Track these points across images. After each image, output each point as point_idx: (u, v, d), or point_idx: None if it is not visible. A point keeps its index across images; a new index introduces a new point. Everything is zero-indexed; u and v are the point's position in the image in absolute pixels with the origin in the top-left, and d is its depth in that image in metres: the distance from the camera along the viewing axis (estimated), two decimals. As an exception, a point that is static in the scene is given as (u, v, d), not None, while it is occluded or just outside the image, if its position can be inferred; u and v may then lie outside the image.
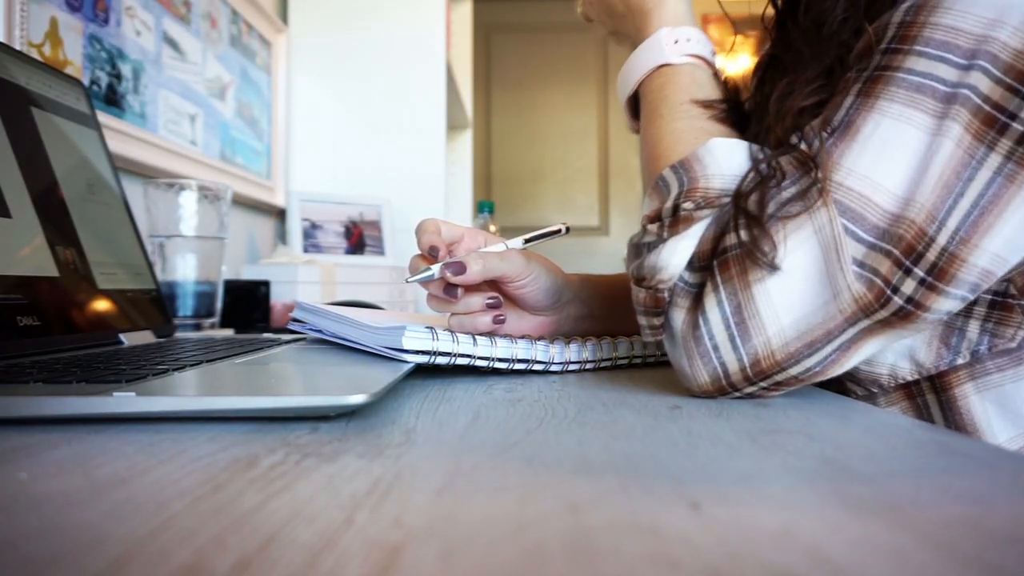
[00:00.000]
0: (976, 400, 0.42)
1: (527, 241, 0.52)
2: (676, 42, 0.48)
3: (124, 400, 0.29)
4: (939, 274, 0.34)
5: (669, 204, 0.40)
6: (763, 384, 0.37)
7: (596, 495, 0.21)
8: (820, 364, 0.36)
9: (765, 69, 0.51)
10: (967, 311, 0.42)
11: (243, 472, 0.23)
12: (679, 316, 0.38)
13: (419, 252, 0.49)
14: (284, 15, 1.57)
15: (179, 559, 0.16)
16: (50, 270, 0.52)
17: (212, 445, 0.26)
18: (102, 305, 0.57)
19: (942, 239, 0.34)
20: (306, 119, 1.56)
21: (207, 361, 0.42)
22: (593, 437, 0.29)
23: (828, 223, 0.35)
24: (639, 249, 0.41)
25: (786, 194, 0.36)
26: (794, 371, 0.36)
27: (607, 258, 2.94)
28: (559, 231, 0.53)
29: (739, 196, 0.38)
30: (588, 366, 0.51)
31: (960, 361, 0.42)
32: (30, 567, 0.15)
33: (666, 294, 0.39)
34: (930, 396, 0.44)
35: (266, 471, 0.23)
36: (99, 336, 0.55)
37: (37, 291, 0.49)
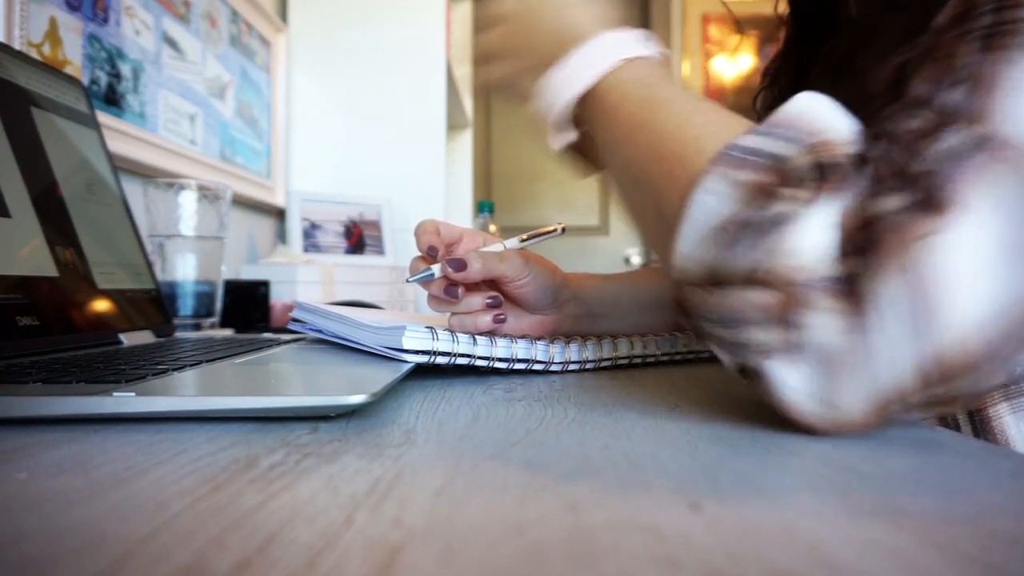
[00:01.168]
0: (1011, 420, 0.40)
1: (523, 241, 0.52)
2: (635, 40, 0.41)
3: (124, 400, 0.29)
4: None
5: (799, 160, 0.29)
6: (937, 392, 0.27)
7: (596, 495, 0.21)
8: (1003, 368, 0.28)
9: (781, 63, 0.51)
10: None
11: (243, 472, 0.23)
12: (829, 323, 0.27)
13: (419, 253, 0.49)
14: (284, 15, 1.57)
15: (179, 559, 0.16)
16: (50, 270, 0.52)
17: (212, 445, 0.26)
18: (102, 305, 0.57)
19: None
20: (306, 119, 1.56)
21: (207, 361, 0.42)
22: (593, 437, 0.29)
23: (1016, 171, 0.27)
24: (755, 228, 0.29)
25: (948, 144, 0.28)
26: (980, 379, 0.27)
27: (607, 258, 2.94)
28: (555, 231, 0.53)
29: (887, 152, 0.29)
30: (588, 366, 0.51)
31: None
32: (30, 567, 0.15)
33: (806, 291, 0.27)
34: (962, 415, 0.42)
35: (266, 471, 0.23)
36: (99, 336, 0.55)
37: (37, 291, 0.49)
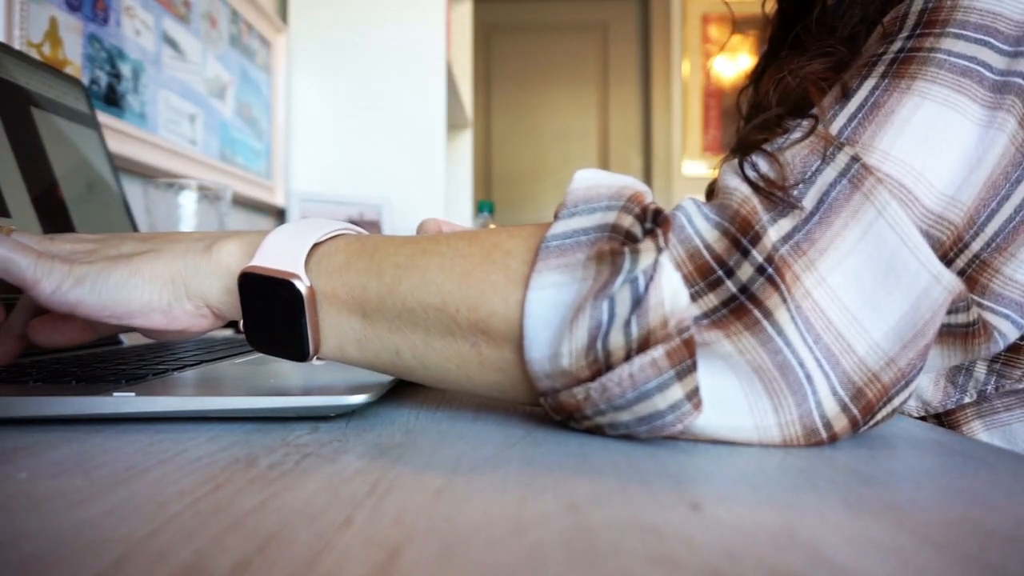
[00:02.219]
0: (984, 438, 0.40)
1: None
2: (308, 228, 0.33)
3: (124, 400, 0.29)
4: (970, 283, 0.30)
5: (625, 220, 0.28)
6: (870, 423, 0.28)
7: (596, 495, 0.21)
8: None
9: (765, 64, 0.51)
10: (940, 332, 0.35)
11: (243, 472, 0.23)
12: (734, 344, 0.26)
13: None
14: (284, 15, 1.57)
15: (179, 559, 0.16)
16: (50, 270, 0.52)
17: (212, 445, 0.26)
18: (102, 305, 0.57)
19: (976, 245, 0.30)
20: (306, 119, 1.56)
21: (207, 361, 0.42)
22: (593, 437, 0.29)
23: (887, 206, 0.28)
24: (620, 294, 0.26)
25: (824, 176, 0.29)
26: (901, 396, 0.28)
27: (607, 258, 2.94)
28: None
29: (756, 182, 0.30)
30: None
31: (967, 399, 0.40)
32: (30, 567, 0.15)
33: (694, 331, 0.26)
34: None
35: (266, 471, 0.23)
36: (99, 336, 0.55)
37: (37, 291, 0.49)
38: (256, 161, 1.40)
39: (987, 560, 0.16)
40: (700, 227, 0.29)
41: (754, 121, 0.37)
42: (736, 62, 2.87)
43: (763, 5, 0.50)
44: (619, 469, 0.24)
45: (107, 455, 0.25)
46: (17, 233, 0.35)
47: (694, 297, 0.27)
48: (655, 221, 0.28)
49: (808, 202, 0.29)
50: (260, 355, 0.47)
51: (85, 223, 0.58)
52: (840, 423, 0.27)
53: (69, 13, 0.83)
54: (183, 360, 0.41)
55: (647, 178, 2.98)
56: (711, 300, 0.27)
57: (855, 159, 0.29)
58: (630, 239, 0.28)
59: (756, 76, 0.52)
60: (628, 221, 0.28)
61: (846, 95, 0.32)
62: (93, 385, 0.32)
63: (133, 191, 0.96)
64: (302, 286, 0.30)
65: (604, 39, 2.99)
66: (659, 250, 0.26)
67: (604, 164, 3.01)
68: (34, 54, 0.77)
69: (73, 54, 0.84)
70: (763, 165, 0.30)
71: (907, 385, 0.27)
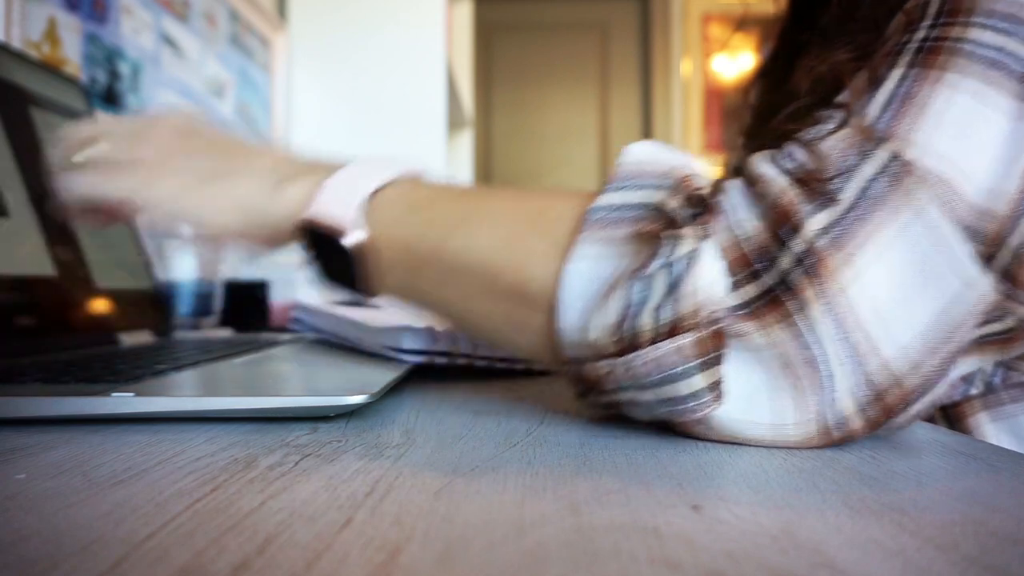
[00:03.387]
0: (991, 429, 0.40)
1: None
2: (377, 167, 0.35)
3: (122, 400, 0.29)
4: (1011, 279, 0.29)
5: (672, 202, 0.28)
6: (886, 426, 0.28)
7: (596, 495, 0.21)
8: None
9: (778, 57, 0.50)
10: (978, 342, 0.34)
11: (242, 473, 0.23)
12: (765, 336, 0.26)
13: None
14: (284, 14, 1.56)
15: (178, 560, 0.16)
16: (48, 270, 0.52)
17: (211, 446, 0.26)
18: (100, 305, 0.57)
19: (1014, 240, 0.29)
20: (306, 119, 1.56)
21: (206, 361, 0.42)
22: (593, 437, 0.28)
23: (927, 207, 0.27)
24: (654, 277, 0.27)
25: (863, 171, 0.28)
26: (922, 402, 0.27)
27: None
28: None
29: (795, 175, 0.29)
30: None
31: (974, 392, 0.40)
32: (28, 568, 0.15)
33: (727, 325, 0.26)
34: (942, 424, 0.43)
35: (265, 472, 0.23)
36: (97, 336, 0.55)
37: (35, 291, 0.49)
38: (255, 161, 1.40)
39: (989, 562, 0.16)
40: (742, 217, 0.28)
41: (786, 111, 0.36)
42: (736, 62, 2.87)
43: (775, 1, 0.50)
44: (619, 469, 0.24)
45: (106, 456, 0.25)
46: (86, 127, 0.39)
47: (735, 287, 0.27)
48: (702, 207, 0.28)
49: (846, 196, 0.27)
50: (259, 355, 0.47)
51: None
52: (856, 424, 0.27)
53: (68, 12, 0.83)
54: (182, 360, 0.41)
55: (647, 178, 2.98)
56: (749, 291, 0.27)
57: (895, 156, 0.28)
58: (673, 223, 0.28)
59: (766, 71, 0.52)
60: (673, 204, 0.28)
61: (874, 83, 0.31)
62: (92, 385, 0.32)
63: (132, 191, 0.96)
64: (356, 237, 0.32)
65: (604, 39, 2.99)
66: (700, 238, 0.27)
67: (604, 164, 3.01)
68: (33, 53, 0.76)
69: (72, 53, 0.84)
70: (800, 155, 0.29)
71: (929, 391, 0.27)
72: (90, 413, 0.29)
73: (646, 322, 0.26)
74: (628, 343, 0.27)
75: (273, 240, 0.36)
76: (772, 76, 0.52)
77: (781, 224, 0.27)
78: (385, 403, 0.36)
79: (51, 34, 0.80)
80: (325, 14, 1.56)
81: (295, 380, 0.39)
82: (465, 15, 2.25)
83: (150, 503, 0.19)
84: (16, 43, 0.73)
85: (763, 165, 0.30)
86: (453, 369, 0.48)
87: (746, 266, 0.27)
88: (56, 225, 0.54)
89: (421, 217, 0.33)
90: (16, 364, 0.40)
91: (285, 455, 0.25)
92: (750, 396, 0.27)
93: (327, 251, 0.34)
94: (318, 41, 1.56)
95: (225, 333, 0.80)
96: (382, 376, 0.36)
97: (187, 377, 0.36)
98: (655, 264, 0.27)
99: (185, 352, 0.47)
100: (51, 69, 0.61)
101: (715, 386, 0.26)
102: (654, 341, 0.26)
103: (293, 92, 1.55)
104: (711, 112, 2.93)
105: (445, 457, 0.25)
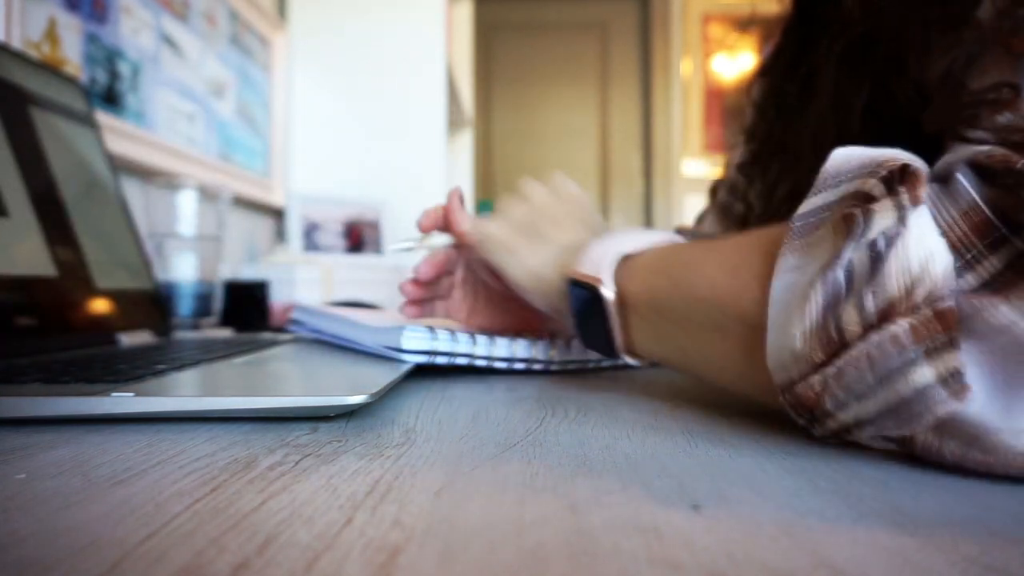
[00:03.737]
0: None
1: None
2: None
3: (122, 400, 0.29)
4: None
5: (870, 185, 0.24)
6: None
7: (596, 495, 0.21)
8: None
9: (778, 52, 0.50)
10: None
11: (242, 472, 0.23)
12: (1015, 308, 0.21)
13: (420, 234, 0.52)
14: (284, 14, 1.56)
15: (178, 560, 0.16)
16: (48, 270, 0.52)
17: (211, 445, 0.26)
18: (100, 305, 0.57)
19: None
20: (306, 118, 1.56)
21: (206, 361, 0.42)
22: (593, 437, 0.28)
23: None
24: (856, 262, 0.23)
25: None
26: None
27: (606, 257, 2.94)
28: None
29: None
30: (589, 365, 0.51)
31: None
32: (27, 569, 0.15)
33: (952, 303, 0.22)
34: None
35: (265, 471, 0.23)
36: (97, 336, 0.55)
37: (35, 291, 0.49)
38: (255, 160, 1.40)
39: (989, 561, 0.16)
40: (973, 182, 0.24)
41: (941, 103, 0.32)
42: (736, 61, 2.87)
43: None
44: (619, 469, 0.24)
45: (106, 455, 0.25)
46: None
47: (971, 264, 0.22)
48: (902, 179, 0.24)
49: None
50: (259, 355, 0.47)
51: (84, 222, 0.58)
52: None
53: (68, 12, 0.83)
54: (182, 360, 0.41)
55: (647, 177, 2.98)
56: (993, 264, 0.22)
57: None
58: (871, 200, 0.24)
59: (768, 69, 0.52)
60: (871, 184, 0.24)
61: (1015, 64, 0.27)
62: (92, 385, 0.32)
63: (132, 190, 0.96)
64: (606, 291, 0.35)
65: (604, 39, 2.99)
66: (901, 207, 0.23)
67: (604, 163, 3.01)
68: (33, 53, 0.76)
69: (72, 53, 0.84)
70: (1003, 119, 0.26)
71: None
72: (90, 413, 0.29)
73: (851, 314, 0.23)
74: (837, 343, 0.23)
75: (553, 303, 0.41)
76: (774, 74, 0.52)
77: (1009, 180, 0.23)
78: (385, 403, 0.36)
79: (51, 34, 0.80)
80: (325, 14, 1.56)
81: (295, 380, 0.39)
82: (465, 15, 2.25)
83: (150, 503, 0.19)
84: (16, 43, 0.73)
85: (959, 149, 0.26)
86: (453, 369, 0.48)
87: (986, 234, 0.23)
88: (56, 225, 0.54)
89: (662, 264, 0.34)
90: (16, 364, 0.40)
91: (285, 455, 0.25)
92: (989, 391, 0.22)
93: (588, 313, 0.37)
94: (318, 41, 1.56)
95: (225, 333, 0.80)
96: (382, 376, 0.36)
97: (187, 377, 0.36)
98: (849, 248, 0.23)
99: (185, 352, 0.47)
100: (51, 69, 0.61)
101: (951, 377, 0.21)
102: (864, 335, 0.22)
103: (293, 92, 1.55)
104: (711, 112, 2.93)
105: (445, 457, 0.25)
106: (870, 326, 0.22)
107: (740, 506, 0.20)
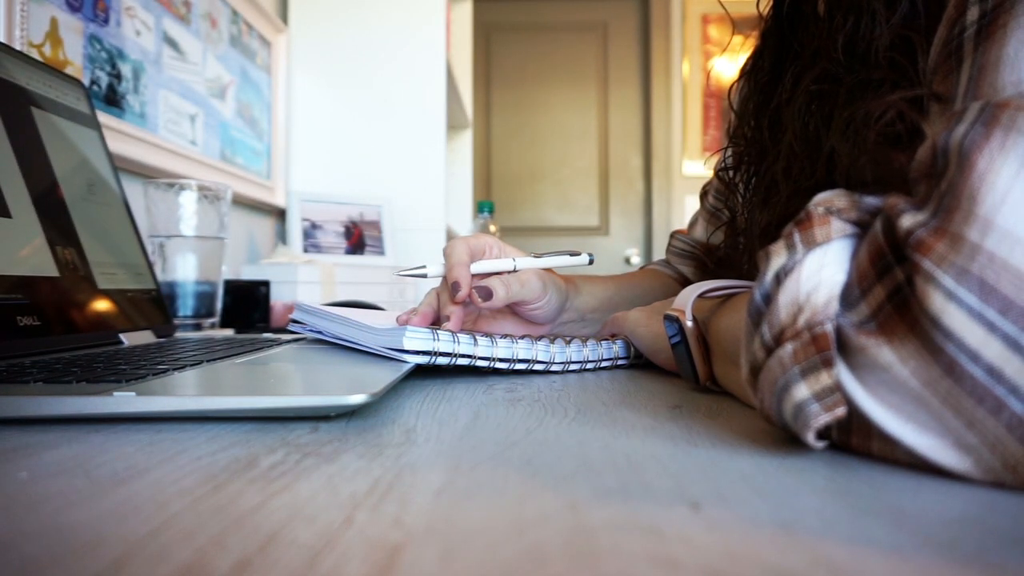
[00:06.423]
0: None
1: (539, 256, 0.54)
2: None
3: (124, 400, 0.29)
4: None
5: (795, 220, 0.27)
6: None
7: (596, 495, 0.21)
8: None
9: (757, 56, 0.51)
10: None
11: (243, 472, 0.23)
12: (895, 351, 0.23)
13: (424, 263, 0.54)
14: (284, 15, 1.57)
15: (179, 559, 0.16)
16: (50, 270, 0.52)
17: (212, 445, 0.26)
18: (102, 305, 0.57)
19: None
20: (306, 119, 1.56)
21: (207, 361, 0.42)
22: (593, 437, 0.29)
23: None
24: (763, 296, 0.26)
25: (956, 134, 0.25)
26: None
27: (607, 258, 2.94)
28: (583, 260, 0.56)
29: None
30: (588, 366, 0.51)
31: None
32: (30, 567, 0.15)
33: (829, 327, 0.24)
34: None
35: (266, 471, 0.23)
36: (99, 336, 0.55)
37: (37, 291, 0.49)
38: (256, 161, 1.40)
39: (989, 561, 0.16)
40: (884, 214, 0.25)
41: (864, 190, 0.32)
42: (736, 62, 2.87)
43: (757, 4, 0.50)
44: (619, 469, 0.24)
45: (107, 455, 0.25)
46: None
47: (864, 293, 0.24)
48: (797, 222, 0.27)
49: (949, 166, 0.24)
50: (260, 355, 0.47)
51: (86, 223, 0.58)
52: None
53: (69, 13, 0.83)
54: (183, 360, 0.41)
55: (647, 178, 2.98)
56: (878, 293, 0.24)
57: (984, 106, 0.25)
58: (783, 238, 0.27)
59: (749, 69, 0.53)
60: (788, 228, 0.27)
61: (945, 100, 0.29)
62: (93, 385, 0.32)
63: (133, 191, 0.96)
64: (684, 321, 0.41)
65: (604, 39, 2.99)
66: (792, 247, 0.26)
67: (604, 164, 3.01)
68: (35, 54, 0.77)
69: (73, 54, 0.84)
70: (919, 154, 0.27)
71: None
72: (92, 412, 0.29)
73: (757, 341, 0.26)
74: (757, 366, 0.27)
75: (665, 357, 0.48)
76: (753, 77, 0.52)
77: (889, 224, 0.24)
78: (385, 403, 0.36)
79: (53, 35, 0.80)
80: (325, 15, 1.56)
81: (296, 380, 0.39)
82: (465, 15, 2.25)
83: (151, 502, 0.19)
84: (18, 44, 0.73)
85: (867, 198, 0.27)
86: (453, 369, 0.48)
87: (872, 265, 0.24)
88: (58, 226, 0.54)
89: (724, 306, 0.40)
90: (18, 364, 0.40)
91: (286, 454, 0.25)
92: (899, 421, 0.23)
93: (677, 345, 0.42)
94: (318, 42, 1.56)
95: (226, 333, 0.80)
96: (382, 376, 0.36)
97: (188, 377, 0.36)
98: (761, 283, 0.27)
99: (187, 352, 0.47)
100: (53, 70, 0.61)
101: (824, 394, 0.23)
102: (767, 358, 0.26)
103: (293, 92, 1.55)
104: (711, 112, 2.93)
105: (445, 457, 0.25)
106: (770, 350, 0.26)
107: (739, 506, 0.20)
